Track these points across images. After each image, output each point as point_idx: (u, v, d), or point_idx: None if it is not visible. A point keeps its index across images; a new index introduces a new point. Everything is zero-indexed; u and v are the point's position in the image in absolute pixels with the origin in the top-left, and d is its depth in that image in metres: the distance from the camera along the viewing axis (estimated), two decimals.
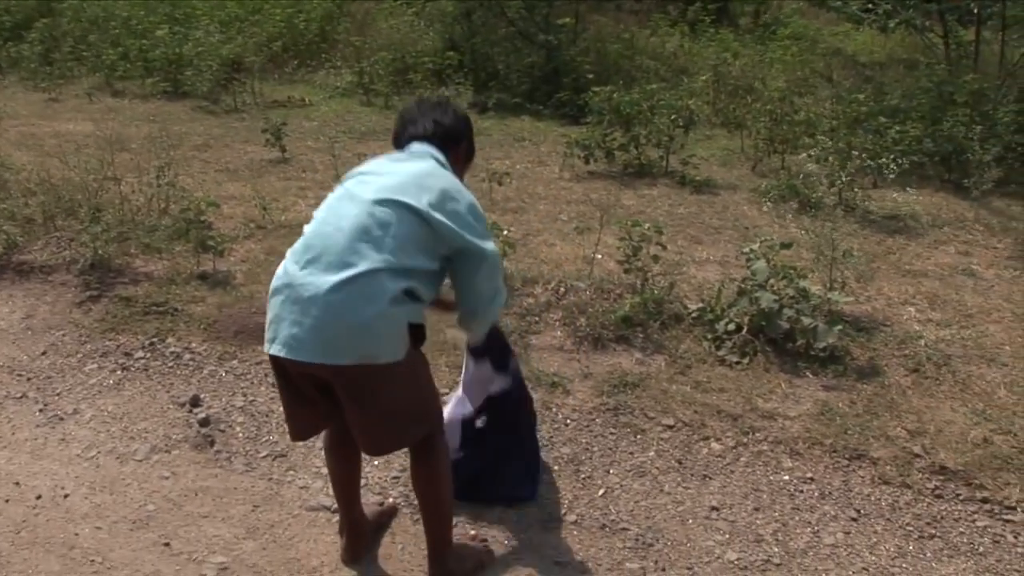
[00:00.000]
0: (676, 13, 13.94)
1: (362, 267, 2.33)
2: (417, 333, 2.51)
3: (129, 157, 7.15)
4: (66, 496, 3.29)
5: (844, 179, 6.66)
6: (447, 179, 2.59)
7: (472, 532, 3.06)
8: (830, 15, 13.46)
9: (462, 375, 3.26)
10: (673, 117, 7.72)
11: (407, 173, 2.56)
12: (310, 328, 2.35)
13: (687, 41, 12.38)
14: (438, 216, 2.45)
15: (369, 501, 3.15)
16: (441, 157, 2.71)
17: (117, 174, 6.37)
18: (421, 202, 2.44)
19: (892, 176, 6.85)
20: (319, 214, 2.59)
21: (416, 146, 2.74)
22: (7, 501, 3.25)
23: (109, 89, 10.92)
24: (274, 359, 2.48)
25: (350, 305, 2.32)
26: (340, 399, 2.49)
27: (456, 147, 2.82)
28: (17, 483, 3.36)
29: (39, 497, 3.27)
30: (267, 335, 2.46)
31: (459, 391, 3.25)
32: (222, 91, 10.42)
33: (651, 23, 13.15)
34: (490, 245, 2.56)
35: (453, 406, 3.22)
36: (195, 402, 3.92)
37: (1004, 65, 8.98)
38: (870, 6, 10.89)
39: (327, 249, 2.40)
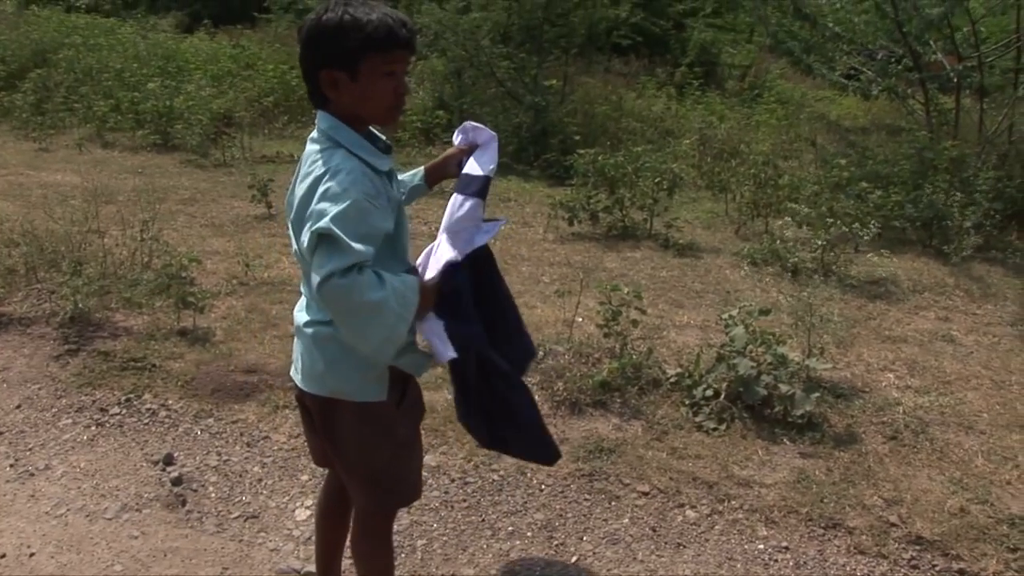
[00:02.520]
0: (664, 75, 14.17)
1: (323, 313, 2.27)
2: (404, 379, 2.39)
3: (115, 210, 7.16)
4: (31, 555, 3.24)
5: (824, 244, 6.72)
6: (312, 175, 2.12)
7: None
8: (815, 80, 13.70)
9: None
10: (658, 180, 7.80)
11: (294, 192, 2.21)
12: (300, 356, 2.37)
13: (674, 103, 12.57)
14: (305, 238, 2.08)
15: (348, 567, 3.11)
16: (325, 122, 2.20)
17: (101, 227, 6.37)
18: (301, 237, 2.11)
19: (871, 240, 6.91)
20: None
21: (318, 118, 2.25)
22: None
23: (99, 140, 10.99)
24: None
25: (315, 346, 2.30)
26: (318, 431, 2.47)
27: (319, 83, 2.16)
28: None
29: (3, 556, 3.22)
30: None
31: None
32: (211, 145, 10.49)
33: (639, 85, 13.36)
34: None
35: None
36: (168, 460, 3.88)
37: (983, 132, 9.14)
38: (853, 72, 11.10)
39: (305, 288, 2.38)
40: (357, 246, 2.00)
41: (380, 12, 2.13)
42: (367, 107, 2.18)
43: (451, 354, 2.31)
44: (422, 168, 2.66)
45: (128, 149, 10.66)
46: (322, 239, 2.02)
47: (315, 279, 2.02)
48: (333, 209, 2.01)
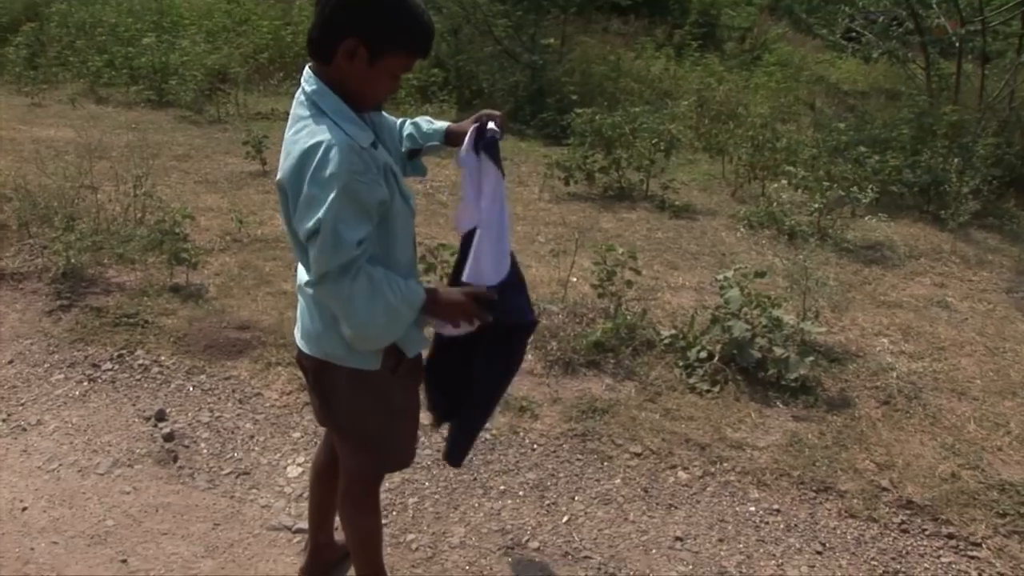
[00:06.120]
0: (663, 36, 14.05)
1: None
2: (398, 354, 2.30)
3: (108, 165, 7.09)
4: (24, 509, 3.24)
5: (820, 208, 6.70)
6: (298, 147, 2.04)
7: None
8: (816, 42, 13.58)
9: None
10: (655, 141, 7.75)
11: (283, 151, 2.15)
12: (300, 314, 2.36)
13: (673, 65, 12.46)
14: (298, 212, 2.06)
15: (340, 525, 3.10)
16: (312, 85, 2.10)
17: (95, 182, 6.33)
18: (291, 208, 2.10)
19: (868, 204, 6.88)
20: None
21: (304, 77, 2.16)
22: None
23: (93, 96, 10.90)
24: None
25: (315, 307, 2.27)
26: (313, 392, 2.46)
27: (335, 51, 2.05)
28: None
29: None
30: None
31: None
32: (206, 101, 10.42)
33: (638, 46, 13.24)
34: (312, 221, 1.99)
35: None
36: (160, 416, 3.87)
37: (983, 98, 9.08)
38: (854, 35, 11.00)
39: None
40: (350, 239, 1.98)
41: (427, 13, 2.09)
42: (362, 89, 2.11)
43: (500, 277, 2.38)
44: (445, 126, 2.51)
45: (122, 104, 10.57)
46: (315, 233, 1.99)
47: (312, 272, 2.06)
48: (324, 196, 1.97)
